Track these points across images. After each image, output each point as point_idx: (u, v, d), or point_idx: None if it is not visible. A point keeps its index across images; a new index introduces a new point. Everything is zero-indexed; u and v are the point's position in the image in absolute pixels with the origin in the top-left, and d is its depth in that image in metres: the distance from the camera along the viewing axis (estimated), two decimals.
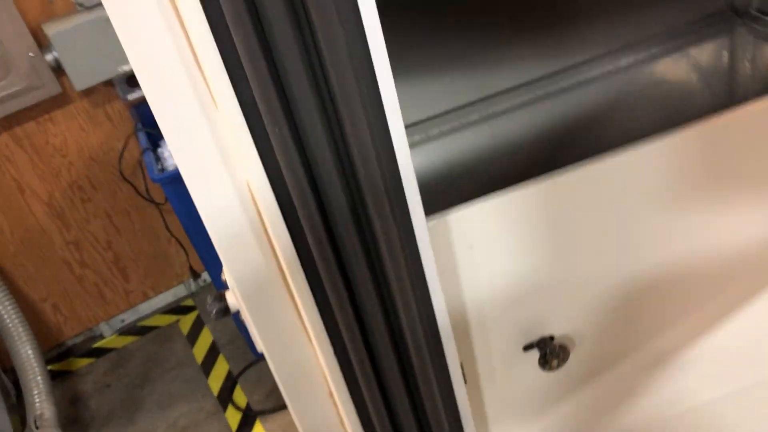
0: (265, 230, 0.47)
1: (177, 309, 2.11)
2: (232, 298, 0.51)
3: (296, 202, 0.45)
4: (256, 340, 0.51)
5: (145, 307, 2.09)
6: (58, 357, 2.03)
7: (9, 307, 1.71)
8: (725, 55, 1.15)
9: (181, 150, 0.43)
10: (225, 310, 0.51)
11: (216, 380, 1.91)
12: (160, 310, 2.10)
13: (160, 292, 2.07)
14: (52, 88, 1.62)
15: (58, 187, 1.82)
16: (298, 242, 0.47)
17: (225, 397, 1.86)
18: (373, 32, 0.41)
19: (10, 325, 1.72)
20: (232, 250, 0.47)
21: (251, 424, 1.79)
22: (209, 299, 0.51)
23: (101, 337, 2.07)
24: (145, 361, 2.00)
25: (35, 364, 1.75)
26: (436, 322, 0.54)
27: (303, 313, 0.50)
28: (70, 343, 2.04)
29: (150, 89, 0.41)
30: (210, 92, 0.42)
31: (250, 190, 0.45)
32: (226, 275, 0.49)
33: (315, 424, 0.57)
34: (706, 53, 1.14)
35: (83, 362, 2.03)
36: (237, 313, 0.52)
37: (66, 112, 1.73)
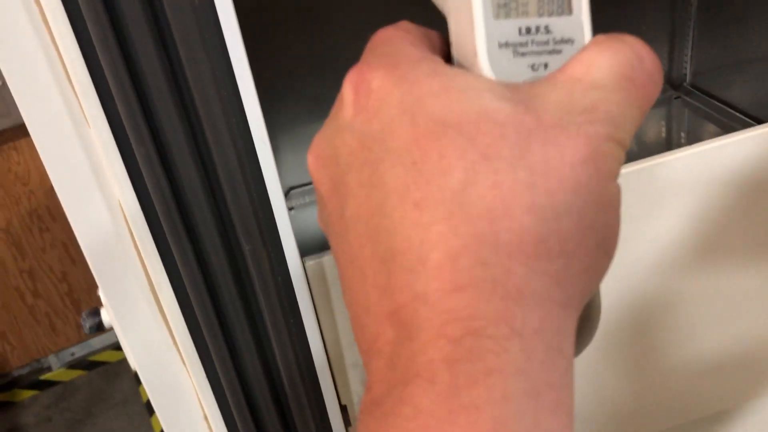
0: (137, 249, 0.48)
1: None
2: (106, 315, 0.52)
3: (163, 222, 0.47)
4: (129, 358, 0.52)
5: (97, 342, 2.07)
6: (3, 387, 2.00)
7: None
8: (663, 125, 1.20)
9: (56, 167, 0.45)
10: (99, 325, 0.52)
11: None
12: (112, 346, 2.08)
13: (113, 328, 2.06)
14: (18, 116, 1.65)
15: (17, 214, 1.83)
16: (168, 262, 0.49)
17: None
18: (238, 58, 0.44)
19: None
20: (103, 267, 0.49)
21: None
22: (84, 314, 0.52)
23: (48, 369, 2.05)
24: (90, 396, 1.98)
25: None
26: (312, 360, 0.55)
27: (174, 333, 0.52)
28: (15, 373, 2.02)
29: (25, 106, 0.43)
30: (82, 111, 0.44)
31: (121, 208, 0.47)
32: (100, 292, 0.50)
33: None
34: (645, 121, 1.19)
35: (27, 394, 2.00)
36: (112, 329, 0.53)
37: (30, 142, 1.75)
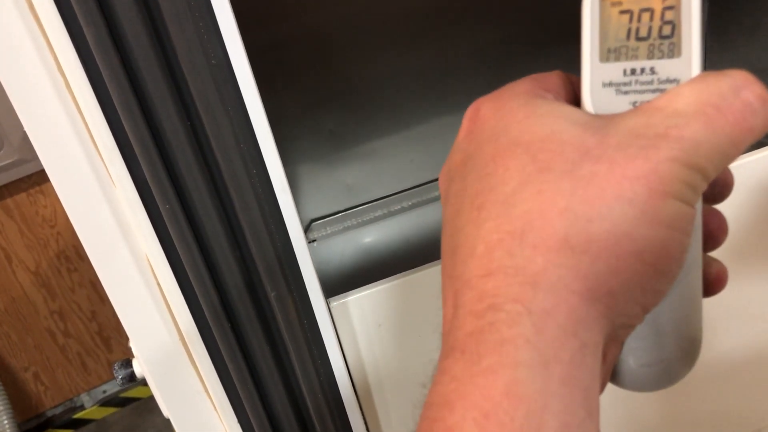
0: (165, 301, 0.49)
1: None
2: (138, 366, 0.53)
3: (190, 275, 0.48)
4: (162, 406, 0.53)
5: None
6: (37, 428, 2.02)
7: None
8: None
9: (84, 225, 0.46)
10: (131, 376, 0.53)
11: None
12: (143, 381, 2.10)
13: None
14: None
15: (45, 256, 1.86)
16: (196, 313, 0.50)
17: None
18: (256, 111, 0.45)
19: None
20: (134, 319, 0.50)
21: None
22: (115, 365, 0.53)
23: (82, 408, 2.07)
24: None
25: None
26: (340, 395, 0.56)
27: (206, 380, 0.52)
28: (49, 413, 2.04)
29: (53, 170, 0.44)
30: (108, 172, 0.45)
31: (149, 262, 0.48)
32: (131, 344, 0.51)
33: None
34: None
35: None
36: (143, 380, 0.54)
37: None
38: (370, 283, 0.57)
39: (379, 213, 1.16)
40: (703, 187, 0.25)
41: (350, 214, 1.16)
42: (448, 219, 0.28)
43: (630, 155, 0.24)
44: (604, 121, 0.25)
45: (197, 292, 0.48)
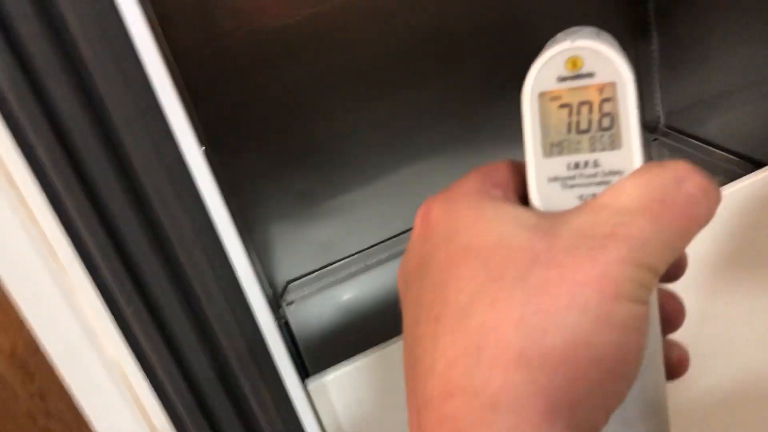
0: (139, 404, 0.48)
1: None
2: None
3: (161, 375, 0.47)
4: None
5: None
6: None
7: None
8: None
9: (49, 333, 0.46)
10: None
11: None
12: None
13: None
14: None
15: (21, 337, 1.82)
16: (172, 413, 0.49)
17: None
18: (218, 211, 0.44)
19: None
20: (109, 426, 0.48)
21: None
22: None
23: None
24: None
25: None
26: None
27: None
28: None
29: (11, 281, 0.44)
30: (69, 279, 0.44)
31: (118, 366, 0.47)
32: None
33: None
34: None
35: None
36: None
37: None
38: (351, 345, 0.56)
39: (354, 268, 1.15)
40: (655, 282, 0.24)
41: (326, 272, 1.16)
42: (407, 327, 0.28)
43: (579, 259, 0.23)
44: (552, 221, 0.25)
45: (170, 392, 0.47)
